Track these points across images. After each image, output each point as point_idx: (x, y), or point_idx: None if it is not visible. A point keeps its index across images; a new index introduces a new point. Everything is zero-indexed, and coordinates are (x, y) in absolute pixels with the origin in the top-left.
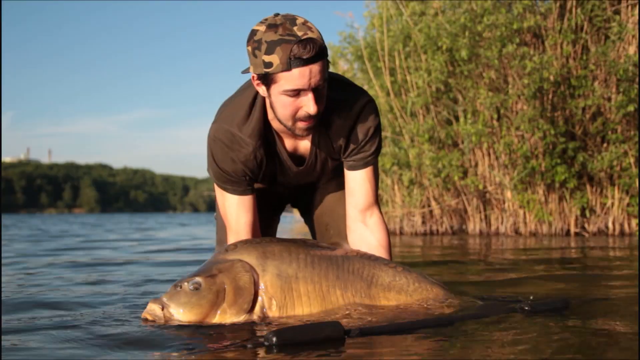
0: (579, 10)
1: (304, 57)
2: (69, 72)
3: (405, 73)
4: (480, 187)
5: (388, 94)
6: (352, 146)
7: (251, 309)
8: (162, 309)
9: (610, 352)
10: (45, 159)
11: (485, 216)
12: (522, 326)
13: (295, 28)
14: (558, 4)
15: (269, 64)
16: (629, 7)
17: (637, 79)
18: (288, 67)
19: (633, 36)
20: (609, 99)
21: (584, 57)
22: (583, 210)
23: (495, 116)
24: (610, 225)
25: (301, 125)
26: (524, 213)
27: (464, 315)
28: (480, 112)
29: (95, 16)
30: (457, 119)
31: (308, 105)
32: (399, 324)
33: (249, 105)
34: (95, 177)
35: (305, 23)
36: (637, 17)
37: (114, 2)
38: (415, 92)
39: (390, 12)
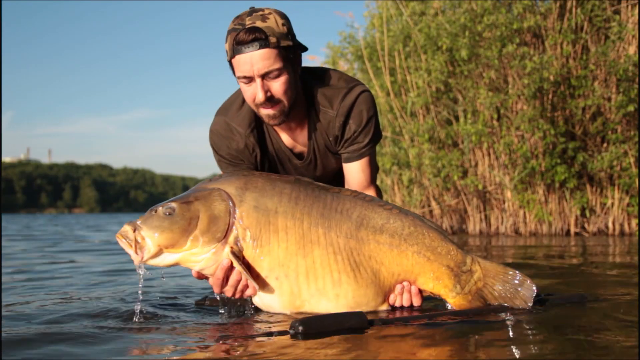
0: (579, 10)
1: (243, 44)
2: (69, 72)
3: (405, 73)
4: (480, 187)
5: (388, 94)
6: (346, 137)
7: (225, 239)
8: (134, 231)
9: (616, 349)
10: (45, 159)
11: (485, 216)
12: (539, 321)
13: (248, 18)
14: (558, 4)
15: (225, 52)
16: (629, 7)
17: (637, 79)
18: (232, 55)
19: (633, 36)
20: (609, 99)
21: (584, 57)
22: (583, 210)
23: (495, 116)
24: (610, 225)
25: (262, 111)
26: (524, 213)
27: (485, 309)
28: (480, 112)
29: (95, 16)
30: (457, 119)
31: (257, 91)
32: (419, 315)
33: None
34: (95, 177)
35: (264, 15)
36: (637, 17)
37: (114, 2)
38: (415, 92)
39: (390, 12)
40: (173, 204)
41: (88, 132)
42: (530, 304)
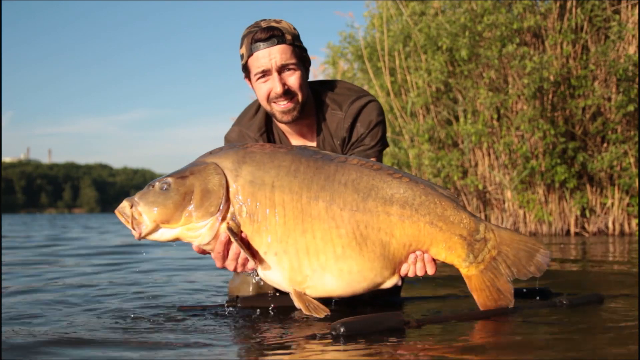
0: (579, 10)
1: (262, 39)
2: (69, 72)
3: (405, 73)
4: (480, 186)
5: (388, 94)
6: (353, 139)
7: (220, 214)
8: (132, 207)
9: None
10: (45, 159)
11: (485, 216)
12: (563, 320)
13: (262, 22)
14: (558, 4)
15: (241, 56)
16: (629, 7)
17: (637, 79)
18: (251, 52)
19: (633, 36)
20: (609, 99)
21: (584, 57)
22: (583, 210)
23: (495, 116)
24: (610, 225)
25: (276, 107)
26: (524, 213)
27: (515, 308)
28: (480, 112)
29: (95, 16)
30: (457, 119)
31: (274, 84)
32: (451, 315)
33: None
34: (95, 177)
35: (278, 21)
36: (637, 17)
37: (114, 2)
38: (415, 92)
39: (390, 12)
40: (169, 179)
41: (88, 132)
42: (543, 271)
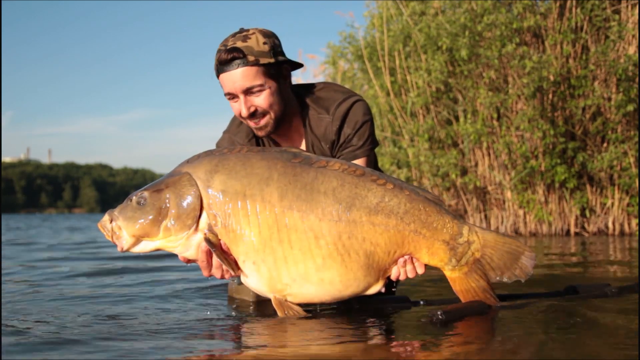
0: (578, 10)
1: (224, 63)
2: (69, 72)
3: (405, 73)
4: (478, 183)
5: (388, 94)
6: (341, 141)
7: (197, 225)
8: (111, 222)
9: None
10: (45, 159)
11: (485, 216)
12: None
13: (231, 39)
14: (558, 4)
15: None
16: (629, 7)
17: (637, 79)
18: (217, 74)
19: (633, 36)
20: (609, 99)
21: (584, 57)
22: (583, 210)
23: (495, 116)
24: (610, 225)
25: (251, 124)
26: (524, 213)
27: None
28: (480, 112)
29: (95, 16)
30: (457, 119)
31: (241, 107)
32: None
33: None
34: (95, 177)
35: (246, 35)
36: (637, 17)
37: (113, 2)
38: (415, 92)
39: (390, 12)
40: (145, 193)
41: (88, 132)
42: (529, 274)
